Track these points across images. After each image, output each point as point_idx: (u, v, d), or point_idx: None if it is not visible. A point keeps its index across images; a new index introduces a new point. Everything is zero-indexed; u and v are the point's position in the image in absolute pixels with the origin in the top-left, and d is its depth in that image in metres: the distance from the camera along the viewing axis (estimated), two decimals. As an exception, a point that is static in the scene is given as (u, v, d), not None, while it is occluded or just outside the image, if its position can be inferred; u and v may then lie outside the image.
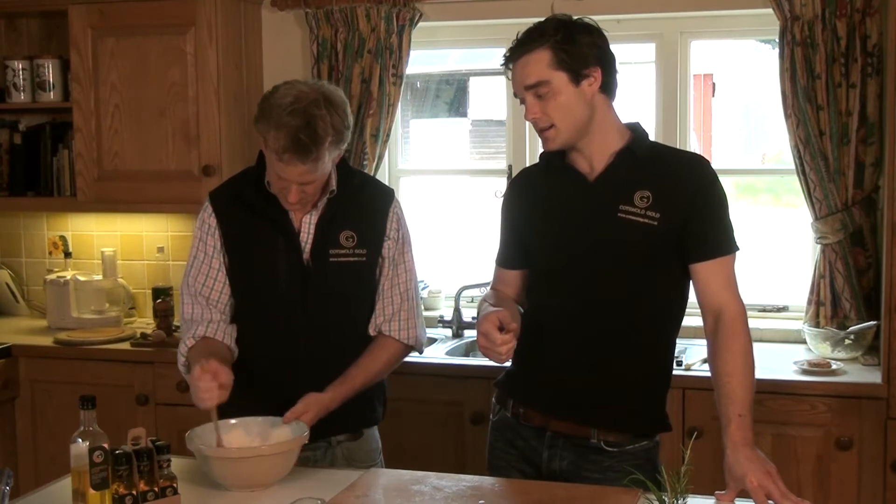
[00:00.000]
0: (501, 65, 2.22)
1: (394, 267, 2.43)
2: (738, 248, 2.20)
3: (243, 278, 2.39)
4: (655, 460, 2.25)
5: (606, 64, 2.18)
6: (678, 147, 3.63)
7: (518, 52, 2.17)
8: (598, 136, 2.19)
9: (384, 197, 2.46)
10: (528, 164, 3.00)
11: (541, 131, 2.19)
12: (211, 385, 2.12)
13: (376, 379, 2.41)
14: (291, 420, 2.21)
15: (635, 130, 2.25)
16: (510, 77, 2.21)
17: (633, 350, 2.21)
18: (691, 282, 2.21)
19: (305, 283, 2.35)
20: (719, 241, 2.17)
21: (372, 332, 2.43)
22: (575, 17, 2.19)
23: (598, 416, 2.21)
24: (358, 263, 2.38)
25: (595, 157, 2.21)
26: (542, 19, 2.18)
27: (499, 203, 2.43)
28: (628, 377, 2.21)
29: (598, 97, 2.17)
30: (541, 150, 2.29)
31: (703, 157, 2.31)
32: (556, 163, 2.27)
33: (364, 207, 2.41)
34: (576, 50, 2.13)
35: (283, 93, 2.22)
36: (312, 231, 2.35)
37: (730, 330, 2.12)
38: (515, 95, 2.22)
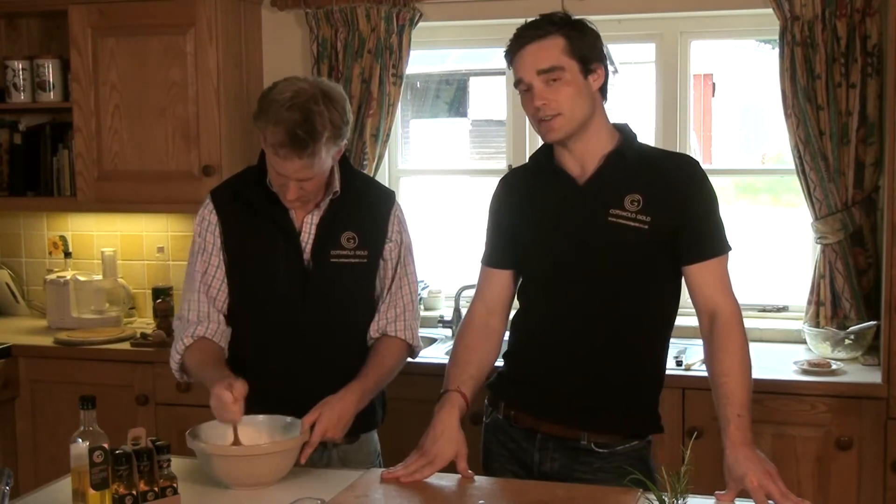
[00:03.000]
0: (507, 51, 2.18)
1: (397, 270, 2.42)
2: (730, 248, 2.20)
3: (242, 277, 2.38)
4: (647, 459, 2.25)
5: (605, 66, 2.21)
6: (677, 147, 3.65)
7: (530, 36, 2.15)
8: (591, 136, 2.19)
9: (385, 199, 2.46)
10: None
11: (543, 120, 2.15)
12: (241, 405, 2.11)
13: (388, 378, 2.39)
14: (309, 424, 2.18)
15: (623, 132, 2.24)
16: (516, 64, 2.16)
17: (625, 353, 2.20)
18: (685, 283, 2.21)
19: (305, 283, 2.34)
20: (712, 242, 2.17)
21: (374, 333, 2.42)
22: (574, 17, 2.20)
23: (588, 419, 2.21)
24: (359, 265, 2.38)
25: (585, 159, 2.20)
26: (547, 13, 2.19)
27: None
28: (619, 380, 2.21)
29: (597, 96, 2.19)
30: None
31: (691, 158, 2.31)
32: (544, 165, 2.26)
33: (366, 209, 2.41)
34: (588, 41, 2.15)
35: (281, 88, 2.22)
36: (313, 231, 2.35)
37: (725, 330, 2.12)
38: (516, 85, 2.19)
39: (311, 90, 2.21)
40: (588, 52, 2.14)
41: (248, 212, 2.37)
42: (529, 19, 2.20)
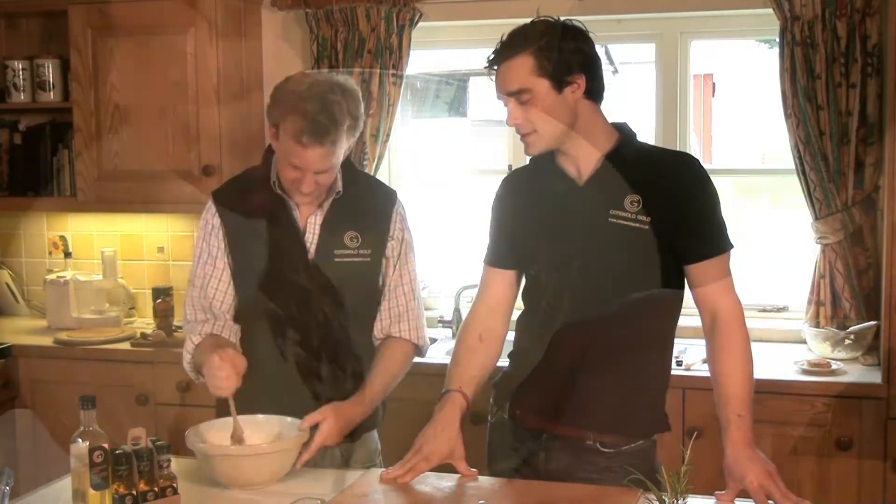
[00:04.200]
0: (485, 67, 2.19)
1: (398, 267, 2.43)
2: (731, 246, 2.18)
3: (247, 278, 2.38)
4: (653, 459, 2.24)
5: (591, 70, 2.15)
6: (677, 147, 3.65)
7: (501, 56, 2.14)
8: (584, 139, 2.17)
9: (388, 198, 2.46)
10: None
11: (522, 136, 2.18)
12: (231, 372, 2.12)
13: (394, 381, 2.40)
14: (307, 427, 2.18)
15: (622, 131, 2.23)
16: (493, 79, 2.18)
17: (628, 352, 2.20)
18: (686, 282, 2.21)
19: (310, 283, 2.34)
20: (712, 241, 2.16)
21: (378, 334, 2.43)
22: (563, 19, 2.17)
23: (593, 419, 2.20)
24: (362, 264, 2.38)
25: (582, 161, 2.19)
26: (528, 21, 2.16)
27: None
28: (623, 380, 2.20)
29: (583, 103, 2.15)
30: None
31: (691, 156, 2.30)
32: (544, 166, 2.26)
33: (368, 208, 2.41)
34: (559, 57, 2.10)
35: (297, 80, 2.25)
36: (317, 231, 2.35)
37: (727, 330, 2.12)
38: (498, 98, 2.20)
39: (326, 82, 2.23)
40: (561, 67, 2.10)
41: (251, 213, 2.37)
42: (521, 21, 2.18)
